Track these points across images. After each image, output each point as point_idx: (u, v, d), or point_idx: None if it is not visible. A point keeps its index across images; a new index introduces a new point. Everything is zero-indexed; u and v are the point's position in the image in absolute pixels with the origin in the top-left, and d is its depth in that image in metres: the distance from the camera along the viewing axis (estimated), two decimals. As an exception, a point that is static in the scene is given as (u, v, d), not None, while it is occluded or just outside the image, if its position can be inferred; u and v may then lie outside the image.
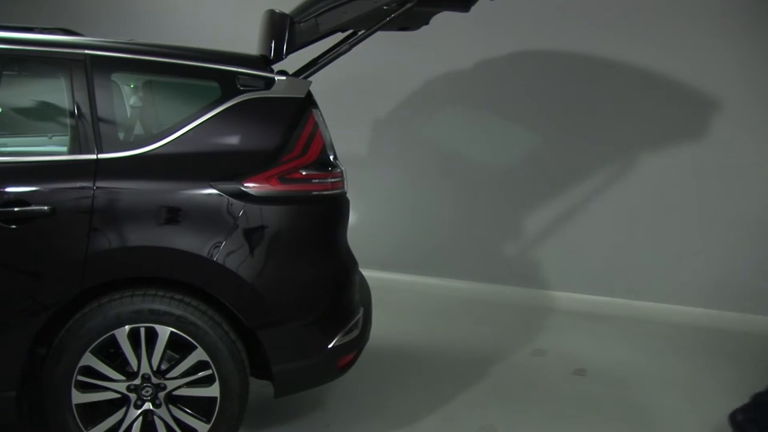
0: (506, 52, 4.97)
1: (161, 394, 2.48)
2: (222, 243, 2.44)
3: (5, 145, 2.68)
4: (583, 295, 4.90)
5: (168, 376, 2.48)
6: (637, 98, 4.67)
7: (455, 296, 5.10)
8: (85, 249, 2.36)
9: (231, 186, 2.46)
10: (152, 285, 2.46)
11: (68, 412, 2.43)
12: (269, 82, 2.61)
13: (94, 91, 2.47)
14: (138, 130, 2.70)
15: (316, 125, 2.66)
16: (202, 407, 2.53)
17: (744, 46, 4.37)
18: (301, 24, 2.67)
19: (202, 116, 2.53)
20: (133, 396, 2.47)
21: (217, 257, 2.43)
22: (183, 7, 5.97)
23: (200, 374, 2.48)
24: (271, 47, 2.67)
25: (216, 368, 2.47)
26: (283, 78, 2.64)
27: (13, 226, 2.33)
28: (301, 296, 2.59)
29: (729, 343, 4.27)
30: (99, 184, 2.38)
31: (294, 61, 2.75)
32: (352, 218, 3.01)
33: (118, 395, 2.46)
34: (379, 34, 2.84)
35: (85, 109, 2.45)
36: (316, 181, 2.60)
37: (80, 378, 2.42)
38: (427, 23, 3.56)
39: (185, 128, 2.51)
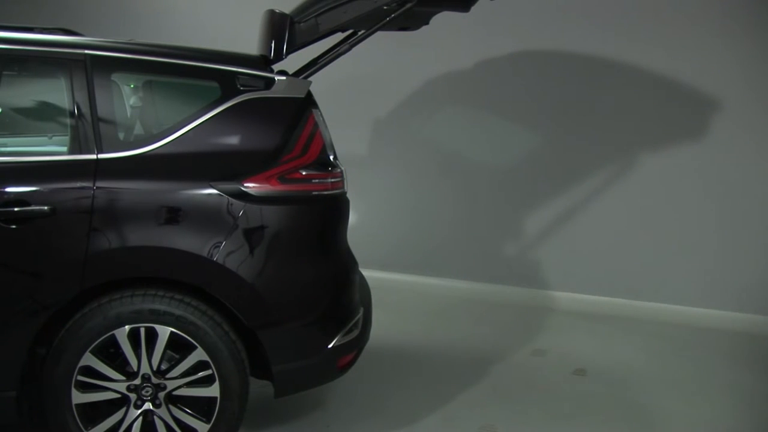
0: (506, 52, 4.97)
1: (161, 394, 2.48)
2: (222, 243, 2.44)
3: (5, 145, 2.68)
4: (583, 295, 4.90)
5: (168, 376, 2.48)
6: (637, 98, 4.67)
7: (455, 296, 5.10)
8: (85, 249, 2.36)
9: (231, 186, 2.46)
10: (152, 285, 2.46)
11: (68, 412, 2.43)
12: (269, 82, 2.61)
13: (94, 91, 2.47)
14: (138, 130, 2.70)
15: (316, 125, 2.66)
16: (202, 407, 2.52)
17: (744, 46, 4.37)
18: (301, 24, 2.67)
19: (202, 116, 2.53)
20: (133, 396, 2.47)
21: (217, 257, 2.43)
22: (183, 7, 5.97)
23: (200, 374, 2.48)
24: (271, 47, 2.67)
25: (216, 368, 2.47)
26: (283, 78, 2.64)
27: (13, 226, 2.33)
28: (301, 296, 2.59)
29: (729, 343, 4.27)
30: (99, 184, 2.38)
31: (294, 61, 2.75)
32: (352, 218, 3.01)
33: (118, 395, 2.46)
34: (379, 34, 2.84)
35: (85, 109, 2.46)
36: (316, 181, 2.60)
37: (80, 378, 2.42)
38: (427, 23, 3.56)
39: (185, 128, 2.51)
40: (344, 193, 2.77)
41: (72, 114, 2.46)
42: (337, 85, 4.47)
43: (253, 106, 2.58)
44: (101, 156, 2.42)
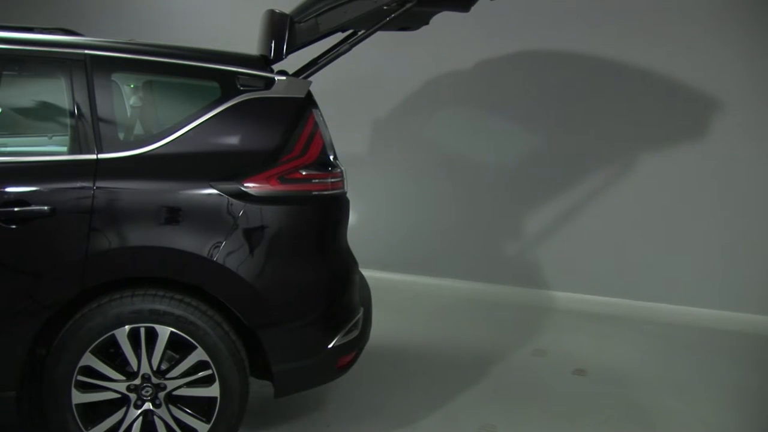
0: (506, 52, 4.97)
1: (161, 394, 2.48)
2: (222, 243, 2.44)
3: (5, 145, 2.67)
4: (583, 295, 4.90)
5: (168, 376, 2.48)
6: (638, 98, 4.67)
7: (455, 296, 5.10)
8: (85, 249, 2.36)
9: (231, 186, 2.46)
10: (152, 285, 2.46)
11: (68, 412, 2.43)
12: (269, 82, 2.61)
13: (94, 91, 2.47)
14: (138, 130, 2.70)
15: (316, 125, 2.66)
16: (202, 407, 2.52)
17: (745, 46, 4.38)
18: (302, 24, 2.67)
19: (202, 116, 2.53)
20: (133, 396, 2.47)
21: (217, 257, 2.43)
22: (183, 7, 5.97)
23: (200, 374, 2.48)
24: (271, 47, 2.67)
25: (216, 368, 2.47)
26: (283, 78, 2.64)
27: (13, 226, 2.33)
28: (301, 296, 2.59)
29: (729, 343, 4.27)
30: (99, 184, 2.38)
31: (294, 61, 2.75)
32: (352, 218, 3.01)
33: (118, 395, 2.46)
34: (379, 34, 2.84)
35: (85, 109, 2.46)
36: (316, 181, 2.60)
37: (80, 378, 2.42)
38: (427, 23, 3.56)
39: (185, 128, 2.51)
40: (344, 193, 2.77)
41: (72, 114, 2.46)
42: (337, 85, 4.47)
43: (253, 106, 2.58)
44: (101, 156, 2.42)
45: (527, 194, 5.07)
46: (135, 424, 2.48)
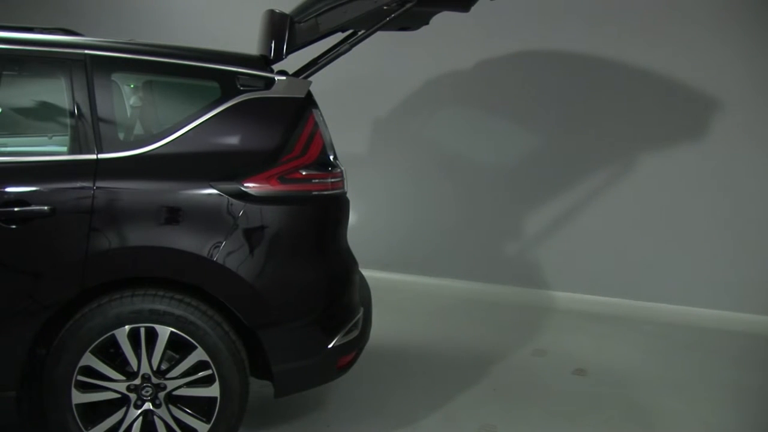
0: (506, 52, 4.97)
1: (161, 394, 2.48)
2: (222, 243, 2.44)
3: (5, 145, 2.67)
4: (583, 295, 4.90)
5: (168, 376, 2.48)
6: (638, 98, 4.67)
7: (455, 296, 5.10)
8: (85, 249, 2.36)
9: (231, 186, 2.46)
10: (152, 285, 2.46)
11: (68, 412, 2.43)
12: (269, 82, 2.61)
13: (94, 91, 2.47)
14: (138, 130, 2.70)
15: (316, 125, 2.66)
16: (202, 407, 2.52)
17: (746, 46, 4.37)
18: (302, 24, 2.67)
19: (202, 116, 2.53)
20: (133, 396, 2.47)
21: (217, 257, 2.43)
22: (183, 7, 5.97)
23: (200, 374, 2.48)
24: (271, 47, 2.67)
25: (216, 368, 2.47)
26: (283, 78, 2.64)
27: (13, 226, 2.33)
28: (301, 296, 2.59)
29: (729, 343, 4.27)
30: (99, 184, 2.38)
31: (294, 61, 2.75)
32: (352, 218, 3.01)
33: (118, 395, 2.46)
34: (379, 34, 2.84)
35: (85, 109, 2.46)
36: (316, 181, 2.60)
37: (80, 378, 2.42)
38: (427, 23, 3.56)
39: (185, 128, 2.51)
40: (344, 193, 2.77)
41: (72, 114, 2.46)
42: (337, 85, 4.47)
43: (253, 106, 2.58)
44: (101, 156, 2.42)
45: (527, 194, 5.07)
46: (135, 424, 2.48)
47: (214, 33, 4.95)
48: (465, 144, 5.20)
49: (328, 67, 2.76)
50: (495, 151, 5.11)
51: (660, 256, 4.72)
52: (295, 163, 2.56)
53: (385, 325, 4.04)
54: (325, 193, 2.63)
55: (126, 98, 2.75)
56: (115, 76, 2.61)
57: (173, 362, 2.49)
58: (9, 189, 2.34)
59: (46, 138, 2.65)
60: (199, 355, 2.46)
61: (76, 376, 2.41)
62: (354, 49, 2.80)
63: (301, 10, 2.72)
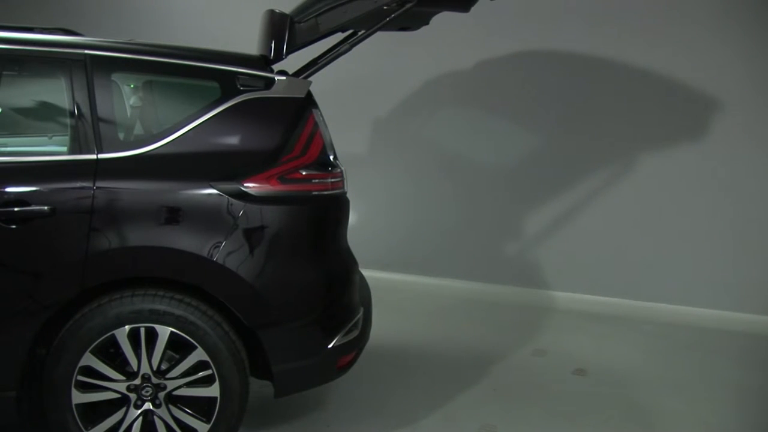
0: (506, 52, 4.97)
1: (161, 394, 2.48)
2: (222, 243, 2.44)
3: (5, 145, 2.67)
4: (583, 295, 4.90)
5: (168, 376, 2.48)
6: (638, 98, 4.67)
7: (455, 296, 5.10)
8: (85, 249, 2.36)
9: (231, 186, 2.46)
10: (152, 285, 2.46)
11: (68, 412, 2.43)
12: (269, 82, 2.61)
13: (94, 91, 2.47)
14: (138, 130, 2.70)
15: (316, 125, 2.66)
16: (202, 407, 2.52)
17: (745, 46, 4.37)
18: (302, 24, 2.67)
19: (202, 116, 2.53)
20: (133, 396, 2.47)
21: (217, 257, 2.43)
22: (183, 7, 5.97)
23: (200, 374, 2.48)
24: (271, 47, 2.67)
25: (216, 368, 2.47)
26: (283, 78, 2.64)
27: (13, 226, 2.33)
28: (301, 296, 2.59)
29: (729, 343, 4.27)
30: (99, 184, 2.38)
31: (294, 61, 2.75)
32: (352, 218, 3.01)
33: (118, 395, 2.46)
34: (380, 34, 2.84)
35: (85, 109, 2.46)
36: (316, 181, 2.60)
37: (80, 378, 2.42)
38: (427, 23, 3.56)
39: (185, 128, 2.51)
40: (344, 193, 2.77)
41: (72, 114, 2.46)
42: (337, 85, 4.47)
43: (253, 106, 2.58)
44: (101, 156, 2.42)
45: (527, 194, 5.07)
46: (135, 424, 2.48)
47: (214, 33, 4.95)
48: (465, 144, 5.20)
49: (328, 67, 2.76)
50: (495, 151, 5.11)
51: (660, 256, 4.72)
52: (295, 163, 2.56)
53: (385, 325, 4.04)
54: (325, 193, 2.63)
55: (126, 98, 2.75)
56: (115, 76, 2.61)
57: (173, 362, 2.49)
58: (9, 189, 2.34)
59: (46, 138, 2.65)
60: (199, 355, 2.46)
61: (76, 376, 2.41)
62: (354, 49, 2.80)
63: (301, 10, 2.72)
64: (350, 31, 3.12)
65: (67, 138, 2.48)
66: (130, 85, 2.81)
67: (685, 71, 4.52)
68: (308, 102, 2.69)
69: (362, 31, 2.86)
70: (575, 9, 4.72)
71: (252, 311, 2.50)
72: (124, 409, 2.47)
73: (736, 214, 4.52)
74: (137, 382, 2.46)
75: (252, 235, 2.48)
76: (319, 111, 2.74)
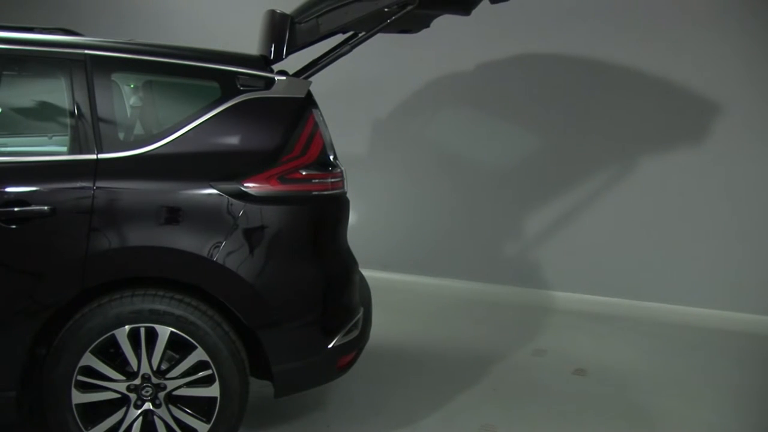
0: (506, 54, 4.97)
1: (161, 394, 2.48)
2: (222, 243, 2.44)
3: (5, 145, 2.67)
4: (583, 295, 4.90)
5: (168, 376, 2.48)
6: (637, 99, 4.67)
7: (455, 296, 5.10)
8: (85, 249, 2.36)
9: (231, 186, 2.46)
10: (152, 285, 2.46)
11: (68, 412, 2.43)
12: (269, 82, 2.61)
13: (94, 91, 2.47)
14: (138, 130, 2.70)
15: (316, 125, 2.66)
16: (202, 407, 2.52)
17: (745, 46, 4.37)
18: (302, 24, 2.67)
19: (202, 116, 2.53)
20: (133, 396, 2.47)
21: (217, 257, 2.43)
22: (183, 7, 5.97)
23: (200, 374, 2.48)
24: (271, 47, 2.67)
25: (216, 368, 2.47)
26: (283, 78, 2.64)
27: (13, 226, 2.33)
28: (301, 296, 2.59)
29: (729, 343, 4.27)
30: (99, 184, 2.38)
31: (294, 62, 2.75)
32: (352, 218, 3.01)
33: (118, 395, 2.46)
34: (380, 35, 2.84)
35: (85, 109, 2.46)
36: (316, 181, 2.60)
37: (80, 378, 2.42)
38: (427, 26, 3.56)
39: (185, 128, 2.51)
40: (344, 193, 2.77)
41: (72, 114, 2.46)
42: (337, 85, 4.47)
43: (253, 106, 2.58)
44: (101, 156, 2.42)
45: (527, 194, 5.07)
46: (135, 424, 2.48)
47: (214, 33, 4.95)
48: (465, 144, 5.20)
49: (328, 67, 2.76)
50: (495, 152, 5.11)
51: (660, 256, 4.72)
52: (295, 163, 2.56)
53: (385, 325, 4.04)
54: (325, 193, 2.63)
55: (126, 98, 2.75)
56: (115, 76, 2.61)
57: (173, 362, 2.49)
58: (9, 189, 2.34)
59: (46, 138, 2.65)
60: (199, 355, 2.46)
61: (76, 376, 2.41)
62: (355, 50, 2.80)
63: (302, 10, 2.72)
64: (351, 33, 3.12)
65: (67, 138, 2.48)
66: (130, 85, 2.81)
67: (685, 71, 4.52)
68: (308, 102, 2.69)
69: (363, 33, 2.86)
70: (576, 9, 4.72)
71: (252, 311, 2.50)
72: (124, 409, 2.47)
73: (736, 214, 4.52)
74: (137, 382, 2.46)
75: (252, 235, 2.49)
76: (319, 111, 2.74)
